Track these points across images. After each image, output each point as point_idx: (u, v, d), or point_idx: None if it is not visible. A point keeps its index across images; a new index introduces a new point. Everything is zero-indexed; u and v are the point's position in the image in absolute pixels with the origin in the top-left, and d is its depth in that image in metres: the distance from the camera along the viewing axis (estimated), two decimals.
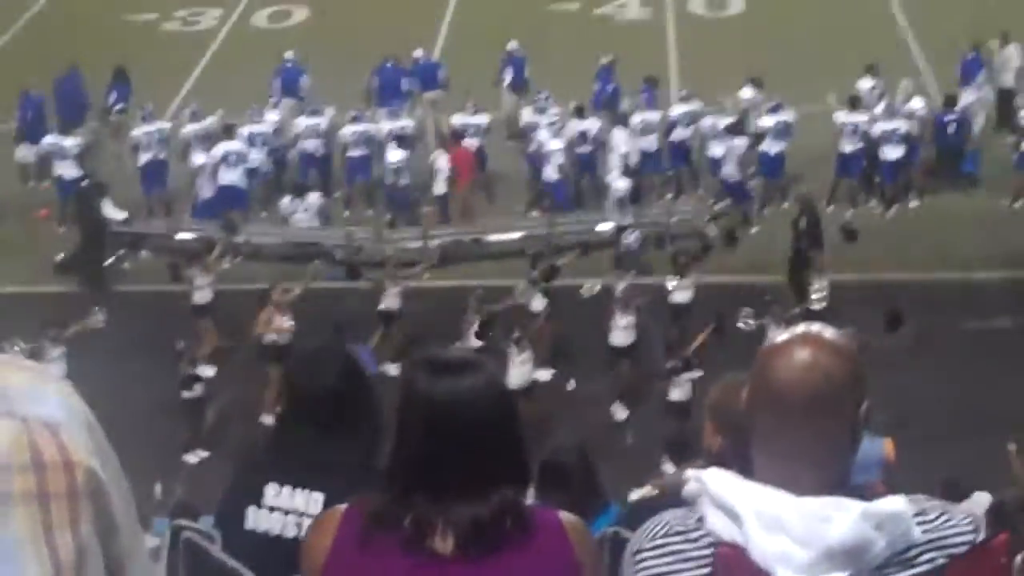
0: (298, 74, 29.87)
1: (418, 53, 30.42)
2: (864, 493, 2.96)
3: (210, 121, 27.58)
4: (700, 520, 3.03)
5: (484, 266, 25.41)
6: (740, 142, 26.31)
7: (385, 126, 27.50)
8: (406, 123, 27.77)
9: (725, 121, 26.72)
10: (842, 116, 26.71)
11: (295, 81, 29.68)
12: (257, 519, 4.80)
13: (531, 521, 3.55)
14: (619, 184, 25.32)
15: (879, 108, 26.69)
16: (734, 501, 2.94)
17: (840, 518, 2.87)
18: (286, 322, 21.44)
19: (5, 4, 37.06)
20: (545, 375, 21.89)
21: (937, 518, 2.98)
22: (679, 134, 27.30)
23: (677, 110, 27.49)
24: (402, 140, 27.07)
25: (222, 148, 26.68)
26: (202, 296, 23.08)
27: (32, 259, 26.08)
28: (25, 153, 29.07)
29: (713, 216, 26.15)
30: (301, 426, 4.82)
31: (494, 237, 26.19)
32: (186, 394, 20.81)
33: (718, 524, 2.98)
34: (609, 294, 21.86)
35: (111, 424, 2.35)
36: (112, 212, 25.99)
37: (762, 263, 24.24)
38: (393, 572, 3.49)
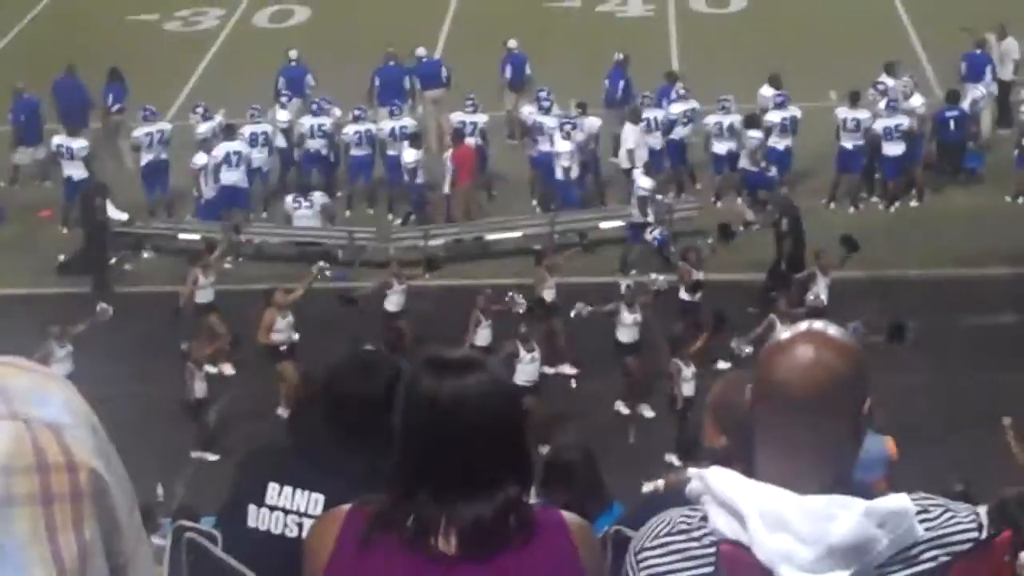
0: (303, 73, 29.89)
1: (420, 51, 30.40)
2: (867, 491, 2.96)
3: (219, 120, 27.61)
4: (703, 519, 3.03)
5: (486, 265, 25.43)
6: (755, 135, 26.27)
7: (386, 125, 27.50)
8: (407, 122, 27.75)
9: (732, 119, 26.72)
10: (843, 112, 26.73)
11: (300, 80, 29.70)
12: (258, 518, 4.81)
13: (534, 521, 3.55)
14: (643, 182, 25.24)
15: (881, 104, 26.68)
16: (737, 499, 2.94)
17: (843, 516, 2.87)
18: (286, 323, 21.43)
19: (7, 5, 37.06)
20: (570, 370, 21.87)
21: (940, 515, 2.98)
22: (677, 132, 27.31)
23: (676, 108, 27.48)
24: (415, 139, 27.06)
25: (223, 148, 26.69)
26: (204, 295, 23.08)
27: (34, 260, 26.07)
28: (22, 155, 29.06)
29: (758, 203, 26.11)
30: (326, 428, 4.81)
31: (495, 236, 26.20)
32: (196, 394, 20.79)
33: (721, 522, 2.97)
34: (616, 291, 21.86)
35: (113, 425, 2.35)
36: (114, 213, 25.98)
37: (764, 261, 24.20)
38: (396, 572, 3.49)
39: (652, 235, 24.95)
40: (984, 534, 2.99)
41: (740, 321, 21.46)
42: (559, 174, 26.59)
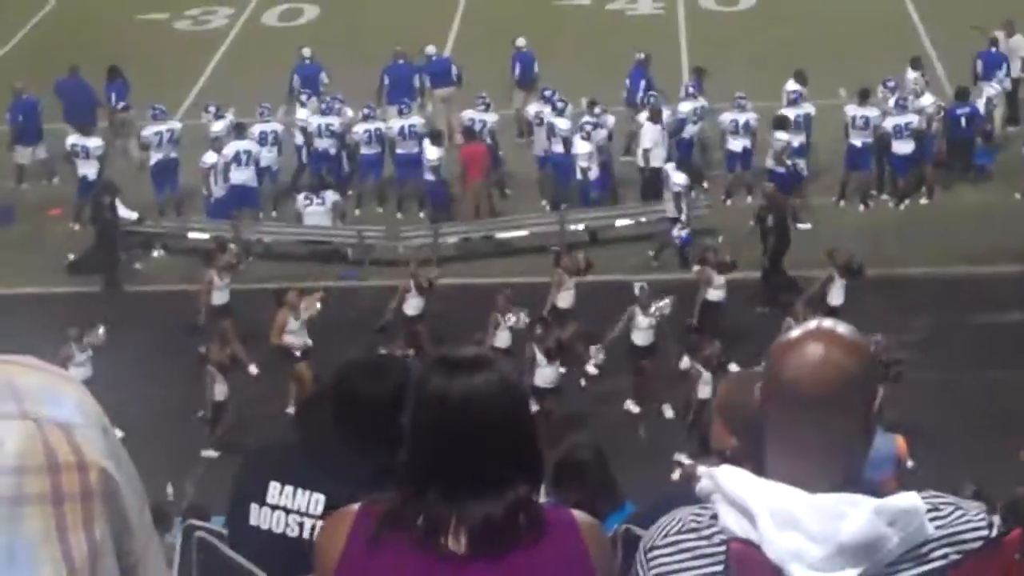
0: (317, 71, 29.91)
1: (431, 50, 30.42)
2: (877, 489, 2.96)
3: (230, 119, 27.63)
4: (713, 517, 3.03)
5: (497, 263, 25.44)
6: (782, 136, 26.21)
7: (396, 124, 27.49)
8: (417, 120, 27.74)
9: (748, 116, 26.69)
10: (852, 109, 26.73)
11: (315, 78, 29.70)
12: (260, 516, 4.82)
13: (545, 520, 3.56)
14: (677, 177, 25.20)
15: (890, 102, 26.67)
16: (747, 498, 2.94)
17: (854, 514, 2.87)
18: (299, 324, 21.41)
19: (15, 5, 37.10)
20: (593, 370, 21.89)
21: (950, 514, 2.97)
22: (688, 130, 27.29)
23: (685, 107, 27.47)
24: (437, 137, 27.06)
25: (233, 147, 26.71)
26: (220, 297, 23.09)
27: (44, 259, 26.09)
28: (21, 154, 29.08)
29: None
30: (334, 428, 4.82)
31: (506, 234, 26.21)
32: (217, 397, 20.78)
33: (731, 521, 2.97)
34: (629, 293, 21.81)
35: (123, 425, 2.35)
36: (124, 212, 26.00)
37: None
38: (406, 571, 3.49)
39: (678, 233, 24.91)
40: (995, 532, 2.99)
41: (751, 322, 21.42)
42: (578, 174, 26.57)
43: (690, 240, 24.86)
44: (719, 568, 2.99)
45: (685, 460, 18.14)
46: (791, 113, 26.67)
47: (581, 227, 26.15)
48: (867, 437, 3.04)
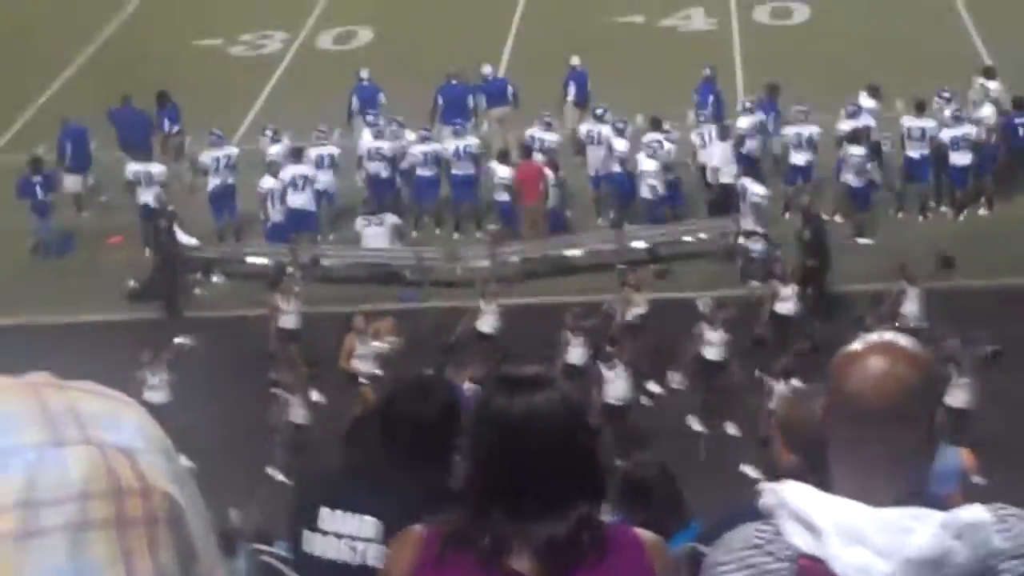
0: (375, 92, 29.98)
1: (487, 70, 30.48)
2: (942, 503, 2.94)
3: (287, 143, 27.73)
4: (777, 533, 3.01)
5: (557, 282, 25.42)
6: (857, 151, 26.12)
7: (450, 144, 27.53)
8: (471, 141, 27.78)
9: (811, 129, 26.62)
10: (908, 121, 26.61)
11: (373, 99, 29.76)
12: (312, 542, 4.84)
13: (609, 538, 3.55)
14: (757, 188, 25.18)
15: (946, 112, 26.54)
16: (812, 513, 2.92)
17: (920, 528, 2.85)
18: (367, 348, 21.47)
19: (72, 34, 37.38)
20: (656, 388, 21.84)
21: (1019, 527, 2.95)
22: (748, 145, 27.21)
23: (743, 122, 27.40)
24: (504, 155, 27.11)
25: (290, 171, 26.83)
26: (288, 321, 23.21)
27: (105, 286, 26.25)
28: (72, 183, 29.24)
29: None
30: (382, 449, 4.84)
31: (565, 252, 26.19)
32: (296, 420, 20.85)
33: (796, 537, 2.95)
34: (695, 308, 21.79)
35: (189, 449, 2.36)
36: (183, 238, 26.16)
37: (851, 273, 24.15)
38: None
39: (754, 246, 24.84)
40: None
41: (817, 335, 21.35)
42: (645, 192, 26.50)
43: (766, 253, 24.75)
44: None
45: (752, 473, 18.09)
46: (848, 125, 26.53)
47: (642, 245, 26.10)
48: (931, 449, 3.03)
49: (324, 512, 4.83)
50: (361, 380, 21.32)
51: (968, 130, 26.23)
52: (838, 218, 26.16)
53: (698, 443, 20.78)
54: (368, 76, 30.23)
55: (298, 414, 20.79)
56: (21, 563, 1.87)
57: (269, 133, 28.38)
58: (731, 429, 21.05)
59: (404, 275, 26.16)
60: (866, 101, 27.36)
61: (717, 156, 26.54)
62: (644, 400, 21.71)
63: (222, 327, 24.16)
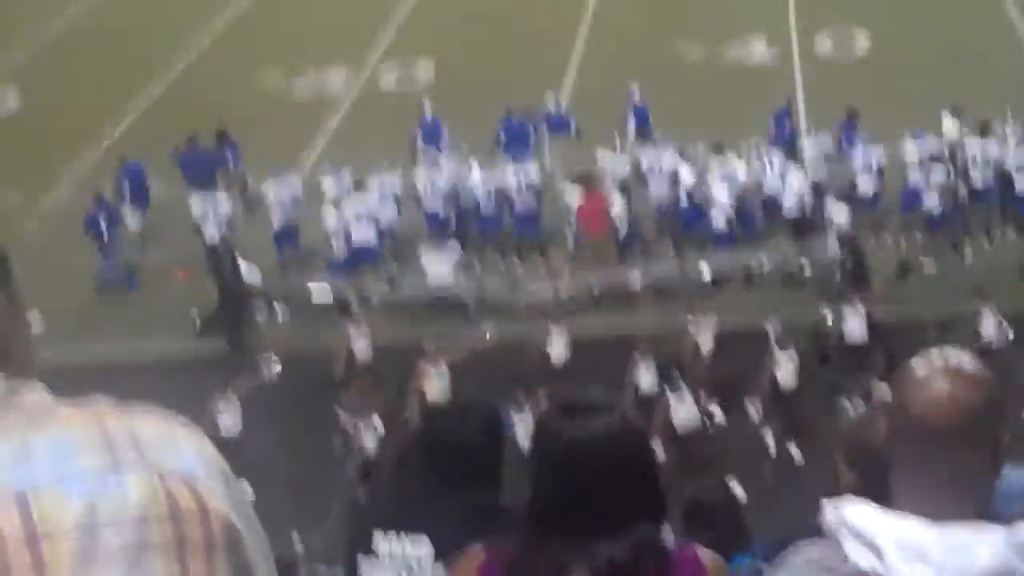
0: (438, 126, 30.06)
1: (550, 104, 30.53)
2: (1007, 522, 2.92)
3: (348, 178, 27.84)
4: (840, 551, 3.00)
5: (622, 312, 25.42)
6: (939, 174, 25.99)
7: (513, 178, 27.56)
8: (533, 174, 27.80)
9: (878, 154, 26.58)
10: (972, 146, 26.46)
11: (436, 133, 29.85)
12: (369, 566, 4.88)
13: (670, 559, 3.54)
14: (840, 217, 25.18)
15: (1009, 138, 26.38)
16: (874, 532, 2.92)
17: (984, 547, 2.84)
18: (439, 374, 21.68)
19: (137, 76, 37.70)
20: (719, 412, 21.83)
21: None
22: (820, 172, 27.12)
23: (814, 147, 27.37)
24: (576, 183, 27.18)
25: (353, 206, 26.94)
26: (359, 351, 23.41)
27: (170, 320, 26.41)
28: (132, 219, 29.42)
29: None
30: (426, 471, 4.90)
31: (630, 281, 26.17)
32: (367, 445, 20.99)
33: (858, 555, 2.94)
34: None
35: (253, 477, 2.37)
36: (246, 271, 26.31)
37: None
38: None
39: (838, 269, 24.76)
40: None
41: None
42: (714, 222, 26.49)
43: (853, 274, 24.69)
44: None
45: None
46: (915, 154, 26.44)
47: (707, 272, 26.06)
48: (995, 469, 3.02)
49: (377, 535, 4.86)
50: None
51: None
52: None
53: (765, 466, 20.74)
54: (431, 110, 30.33)
55: (367, 442, 20.94)
56: None
57: (331, 169, 28.50)
58: (797, 452, 20.98)
59: (468, 305, 26.19)
60: (948, 124, 27.21)
61: (795, 183, 26.45)
62: (710, 423, 21.70)
63: (286, 360, 24.27)
